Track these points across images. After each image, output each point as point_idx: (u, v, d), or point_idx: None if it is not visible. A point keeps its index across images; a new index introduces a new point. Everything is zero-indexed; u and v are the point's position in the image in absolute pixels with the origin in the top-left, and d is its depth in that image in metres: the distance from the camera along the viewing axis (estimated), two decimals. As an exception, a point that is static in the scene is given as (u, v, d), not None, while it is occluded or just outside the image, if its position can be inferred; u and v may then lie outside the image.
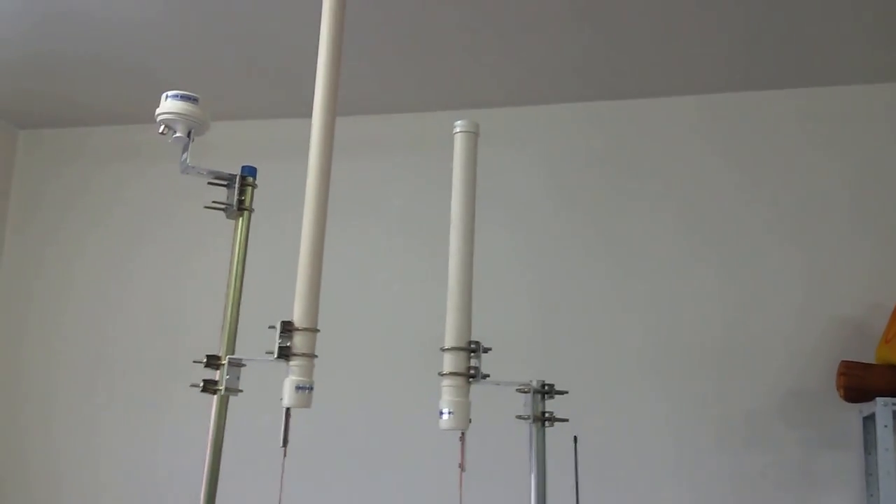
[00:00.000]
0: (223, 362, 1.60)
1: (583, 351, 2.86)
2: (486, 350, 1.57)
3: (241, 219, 1.69)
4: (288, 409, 1.59)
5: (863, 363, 2.54)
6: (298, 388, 1.56)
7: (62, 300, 3.31)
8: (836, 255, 2.78)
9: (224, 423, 1.62)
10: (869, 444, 2.58)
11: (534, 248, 2.99)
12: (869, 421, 2.57)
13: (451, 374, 1.54)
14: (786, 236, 2.82)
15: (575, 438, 1.66)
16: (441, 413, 1.53)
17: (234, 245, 1.68)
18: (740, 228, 2.86)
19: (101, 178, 3.41)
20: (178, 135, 1.62)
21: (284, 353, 1.57)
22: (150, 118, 1.65)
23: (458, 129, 1.66)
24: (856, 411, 2.62)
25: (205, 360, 1.61)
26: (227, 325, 1.66)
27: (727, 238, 2.86)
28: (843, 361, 2.55)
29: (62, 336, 3.27)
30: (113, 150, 3.44)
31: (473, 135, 1.66)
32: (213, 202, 1.66)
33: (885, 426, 2.33)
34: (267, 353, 1.58)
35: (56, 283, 3.34)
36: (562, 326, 2.90)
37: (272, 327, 1.59)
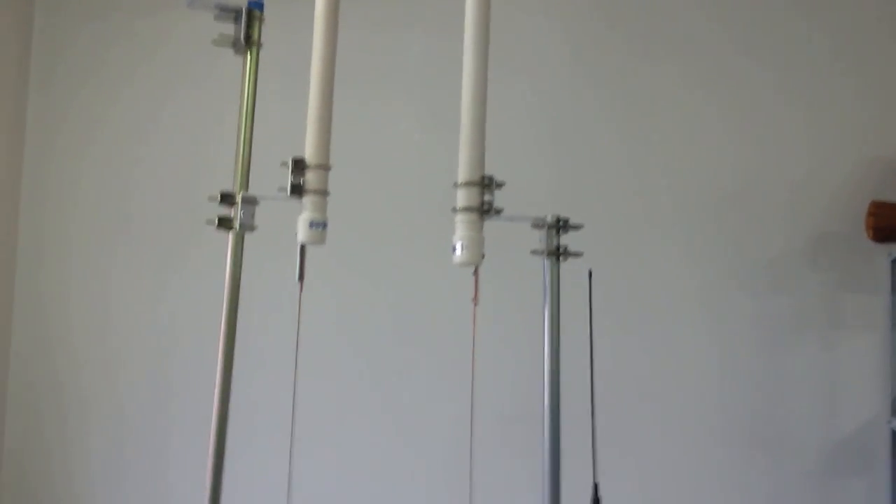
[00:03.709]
0: (237, 199, 1.61)
1: (598, 192, 2.80)
2: (499, 185, 1.55)
3: (249, 54, 1.65)
4: (303, 246, 1.61)
5: (893, 203, 2.49)
6: (312, 224, 1.58)
7: (78, 141, 3.29)
8: (868, 93, 2.67)
9: (241, 259, 1.64)
10: (896, 286, 2.56)
11: (549, 93, 2.89)
12: (897, 262, 2.54)
13: (465, 208, 1.53)
14: (816, 75, 2.71)
15: (590, 272, 1.66)
16: (454, 248, 1.53)
17: (243, 81, 1.65)
18: (765, 69, 2.74)
19: (115, 18, 3.34)
20: (180, -36, 1.57)
21: (297, 190, 1.58)
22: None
23: (471, -45, 1.58)
24: (884, 253, 2.59)
25: (219, 197, 1.61)
26: (240, 163, 1.65)
27: (751, 79, 2.75)
28: (872, 201, 2.50)
29: (82, 173, 3.25)
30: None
31: (488, -40, 1.58)
32: (220, 35, 1.62)
33: (913, 266, 2.31)
34: (279, 189, 1.58)
35: (75, 127, 3.31)
36: (576, 168, 2.84)
37: (284, 164, 1.58)
